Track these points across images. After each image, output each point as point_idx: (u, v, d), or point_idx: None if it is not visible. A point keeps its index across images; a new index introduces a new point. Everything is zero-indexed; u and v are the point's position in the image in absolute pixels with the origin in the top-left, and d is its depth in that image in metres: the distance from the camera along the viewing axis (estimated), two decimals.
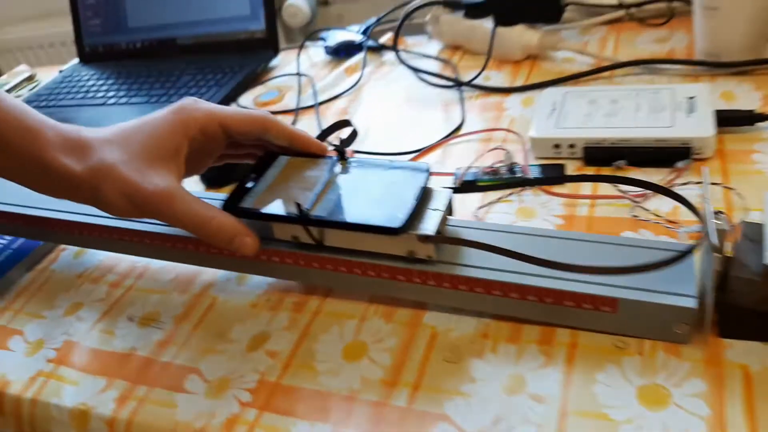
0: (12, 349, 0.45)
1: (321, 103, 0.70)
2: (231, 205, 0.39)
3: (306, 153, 0.42)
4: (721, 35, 0.56)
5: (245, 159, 0.46)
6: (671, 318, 0.33)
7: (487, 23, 0.69)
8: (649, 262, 0.32)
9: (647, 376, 0.33)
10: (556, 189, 0.47)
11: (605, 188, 0.46)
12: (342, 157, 0.41)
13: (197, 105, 0.41)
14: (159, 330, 0.44)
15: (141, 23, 0.92)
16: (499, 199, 0.48)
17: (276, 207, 0.38)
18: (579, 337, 0.36)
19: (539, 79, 0.63)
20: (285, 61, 0.85)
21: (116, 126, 0.41)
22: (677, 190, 0.44)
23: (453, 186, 0.39)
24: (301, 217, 0.37)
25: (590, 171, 0.49)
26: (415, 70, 0.69)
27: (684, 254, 0.32)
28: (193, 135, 0.40)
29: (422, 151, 0.56)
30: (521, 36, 0.66)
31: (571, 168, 0.49)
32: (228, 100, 0.75)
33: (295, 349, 0.40)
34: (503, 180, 0.49)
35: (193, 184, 0.60)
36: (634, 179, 0.37)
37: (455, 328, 0.38)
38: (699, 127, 0.46)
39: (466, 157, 0.54)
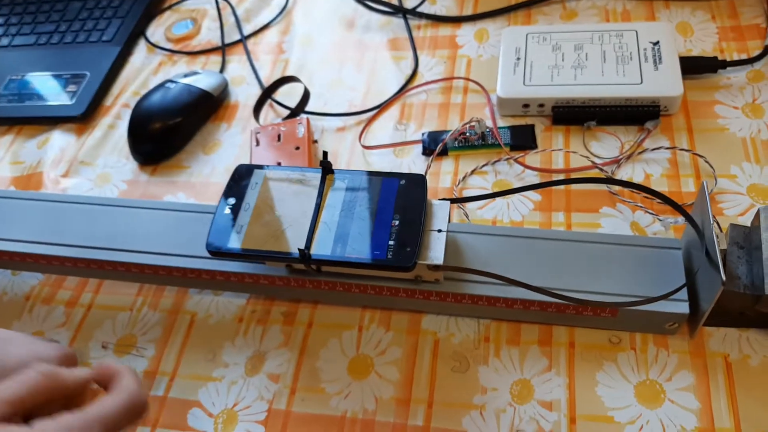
0: None
1: (248, 37, 0.62)
2: (218, 247, 0.36)
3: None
4: None
5: None
6: (665, 320, 0.35)
7: None
8: (645, 297, 0.33)
9: (642, 372, 0.36)
10: (530, 161, 0.46)
11: (577, 160, 0.46)
12: (328, 170, 0.38)
13: None
14: (141, 358, 0.42)
15: None
16: (473, 171, 0.47)
17: (270, 243, 0.35)
18: (576, 334, 0.38)
19: (489, 2, 0.59)
20: None
21: None
22: (649, 155, 0.45)
23: (450, 198, 0.37)
24: (303, 259, 0.34)
25: (559, 130, 0.48)
26: None
27: (680, 288, 0.34)
28: None
29: (380, 108, 0.53)
30: None
31: (541, 127, 0.48)
32: (134, 35, 0.65)
33: (298, 369, 0.39)
34: (477, 149, 0.47)
35: (125, 161, 0.54)
36: (640, 186, 0.37)
37: (456, 332, 0.39)
38: (668, 85, 0.46)
39: (428, 113, 0.51)
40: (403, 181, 0.37)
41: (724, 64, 0.48)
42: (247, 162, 0.51)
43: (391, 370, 0.38)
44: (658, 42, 0.48)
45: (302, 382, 0.39)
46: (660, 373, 0.36)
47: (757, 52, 0.49)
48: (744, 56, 0.50)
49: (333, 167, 0.38)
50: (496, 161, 0.47)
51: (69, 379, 0.30)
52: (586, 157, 0.45)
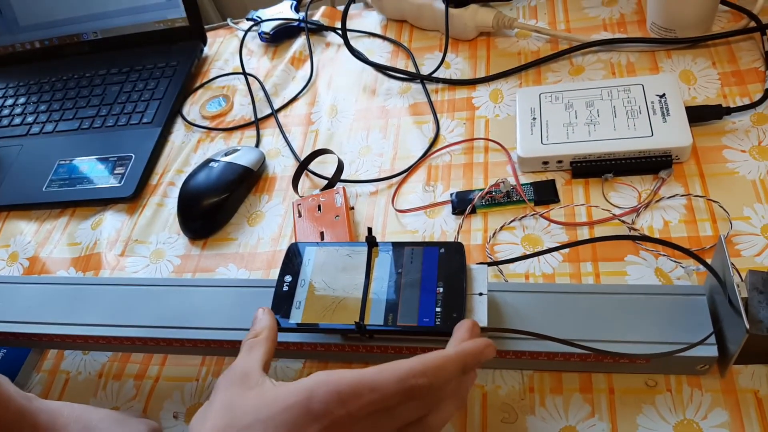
0: None
1: (278, 110, 0.67)
2: (281, 324, 0.39)
3: None
4: (673, 11, 0.57)
5: None
6: (696, 362, 0.38)
7: (436, 2, 0.66)
8: (675, 343, 0.37)
9: (679, 412, 0.38)
10: (555, 215, 0.50)
11: (599, 212, 0.49)
12: (373, 244, 0.41)
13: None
14: None
15: (34, 20, 0.81)
16: (502, 228, 0.50)
17: (327, 317, 0.39)
18: (614, 380, 0.41)
19: (500, 62, 0.63)
20: (212, 47, 0.78)
21: None
22: (666, 202, 0.48)
23: (487, 262, 0.41)
24: (359, 331, 0.38)
25: (579, 183, 0.51)
26: (374, 65, 0.67)
27: (708, 336, 0.37)
28: None
29: (408, 172, 0.57)
30: (475, 15, 0.65)
31: (561, 181, 0.52)
32: (172, 115, 0.70)
33: None
34: (503, 205, 0.51)
35: (176, 236, 0.58)
36: (664, 241, 0.40)
37: (501, 384, 0.42)
38: (678, 136, 0.49)
39: (454, 174, 0.55)
40: (442, 250, 0.41)
41: (729, 111, 0.51)
42: (290, 231, 0.55)
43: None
44: (664, 94, 0.52)
45: None
46: (696, 412, 0.38)
47: (758, 96, 0.53)
48: (746, 100, 0.53)
49: (376, 238, 0.42)
50: (522, 217, 0.50)
51: None
52: (608, 210, 0.48)
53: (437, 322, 0.37)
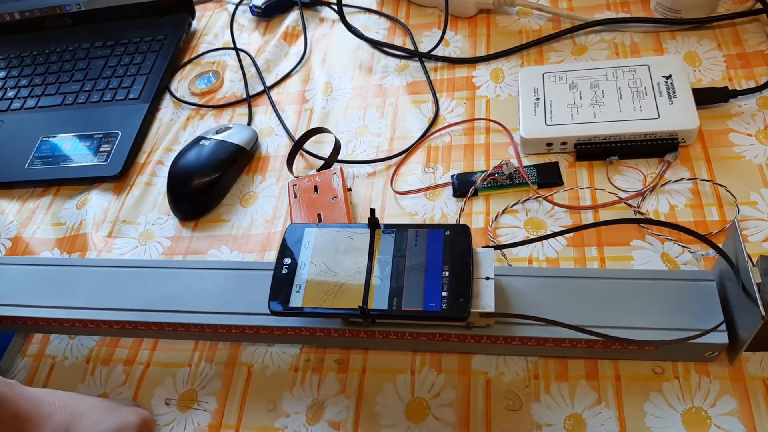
0: None
1: (271, 88, 0.65)
2: (280, 308, 0.38)
3: None
4: None
5: None
6: (705, 349, 0.37)
7: None
8: (685, 330, 0.36)
9: (687, 400, 0.38)
10: (558, 198, 0.48)
11: (603, 195, 0.48)
12: (375, 226, 0.40)
13: None
14: (204, 411, 0.43)
15: None
16: (504, 211, 0.49)
17: (329, 301, 0.37)
18: (620, 367, 0.40)
19: (501, 41, 0.62)
20: (201, 21, 0.76)
21: None
22: (672, 186, 0.47)
23: (494, 246, 0.39)
24: (363, 315, 0.36)
25: (583, 166, 0.50)
26: (371, 42, 0.65)
27: (720, 324, 0.36)
28: None
29: (407, 152, 0.55)
30: None
31: (565, 164, 0.51)
32: (160, 91, 0.67)
33: (357, 416, 0.41)
34: (505, 188, 0.50)
35: (166, 217, 0.56)
36: (673, 224, 0.39)
37: (505, 371, 0.41)
38: (685, 118, 0.48)
39: (454, 155, 0.54)
40: (447, 232, 0.39)
41: (735, 93, 0.50)
42: (285, 213, 0.53)
43: (448, 412, 0.40)
44: (670, 76, 0.51)
45: (362, 429, 0.41)
46: (704, 399, 0.38)
47: (764, 79, 0.52)
48: (752, 83, 0.52)
49: (378, 220, 0.40)
50: (525, 200, 0.49)
51: None
52: (613, 193, 0.47)
53: (443, 307, 0.36)
